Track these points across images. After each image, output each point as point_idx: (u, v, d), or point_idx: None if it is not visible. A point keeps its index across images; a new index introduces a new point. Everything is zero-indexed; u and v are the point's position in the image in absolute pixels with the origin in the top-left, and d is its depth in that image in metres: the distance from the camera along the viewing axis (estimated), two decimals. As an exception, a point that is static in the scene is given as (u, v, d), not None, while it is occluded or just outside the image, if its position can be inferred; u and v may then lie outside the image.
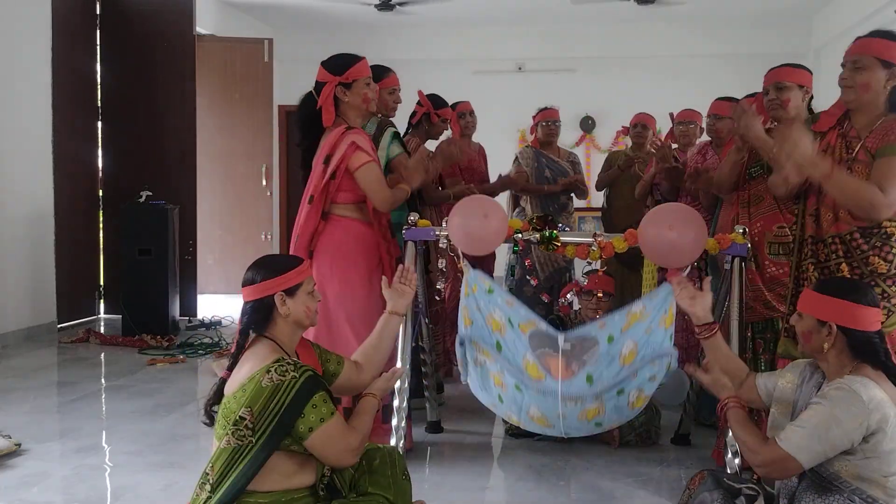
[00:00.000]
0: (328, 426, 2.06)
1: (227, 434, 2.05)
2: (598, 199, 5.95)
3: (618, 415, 2.92)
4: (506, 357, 2.90)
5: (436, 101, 4.36)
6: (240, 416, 2.03)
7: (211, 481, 2.06)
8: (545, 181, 5.14)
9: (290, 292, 2.20)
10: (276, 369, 2.05)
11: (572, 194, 5.31)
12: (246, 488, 2.05)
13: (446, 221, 3.22)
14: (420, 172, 3.32)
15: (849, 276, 2.57)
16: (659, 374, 2.86)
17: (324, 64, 3.18)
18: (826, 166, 2.51)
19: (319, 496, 2.15)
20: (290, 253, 3.08)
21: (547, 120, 5.22)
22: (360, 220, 3.22)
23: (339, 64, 3.16)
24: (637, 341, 2.82)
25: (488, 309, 2.96)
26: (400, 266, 2.77)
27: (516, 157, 5.25)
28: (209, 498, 2.05)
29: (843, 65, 2.65)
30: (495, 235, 3.05)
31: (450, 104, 4.88)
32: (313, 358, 2.35)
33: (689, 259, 2.87)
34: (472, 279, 3.02)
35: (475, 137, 5.16)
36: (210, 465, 2.09)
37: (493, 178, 5.06)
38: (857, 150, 2.60)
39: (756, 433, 2.10)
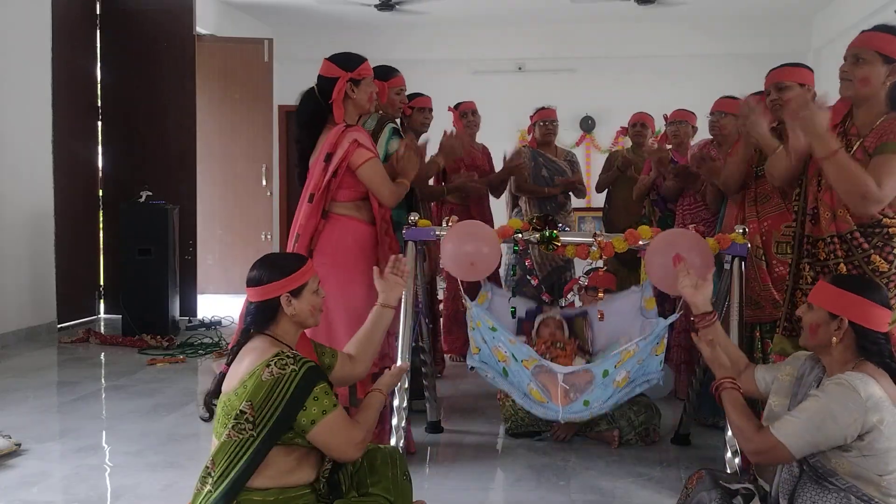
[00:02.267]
0: (331, 418, 2.06)
1: (228, 428, 2.05)
2: (598, 199, 5.95)
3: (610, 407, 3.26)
4: (511, 382, 3.20)
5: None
6: (240, 411, 2.03)
7: (213, 475, 2.06)
8: (542, 181, 5.15)
9: (296, 293, 2.22)
10: (275, 363, 2.06)
11: (570, 194, 5.32)
12: (246, 484, 2.05)
13: (446, 221, 3.23)
14: (412, 163, 3.28)
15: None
16: (647, 389, 3.27)
17: (332, 59, 3.13)
18: (833, 144, 2.47)
19: (320, 493, 2.15)
20: (297, 251, 3.05)
21: (544, 120, 5.22)
22: (359, 218, 3.17)
23: (350, 60, 3.13)
24: (630, 370, 3.15)
25: (493, 343, 3.22)
26: (392, 256, 2.71)
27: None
28: (210, 493, 2.05)
29: (844, 58, 2.63)
30: (488, 263, 3.17)
31: (454, 104, 4.88)
32: (309, 351, 2.35)
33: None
34: (476, 316, 3.24)
35: (477, 138, 5.16)
36: (210, 459, 2.09)
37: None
38: (855, 147, 2.58)
39: (750, 418, 2.10)
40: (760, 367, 2.31)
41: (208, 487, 2.07)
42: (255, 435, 2.02)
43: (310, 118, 3.17)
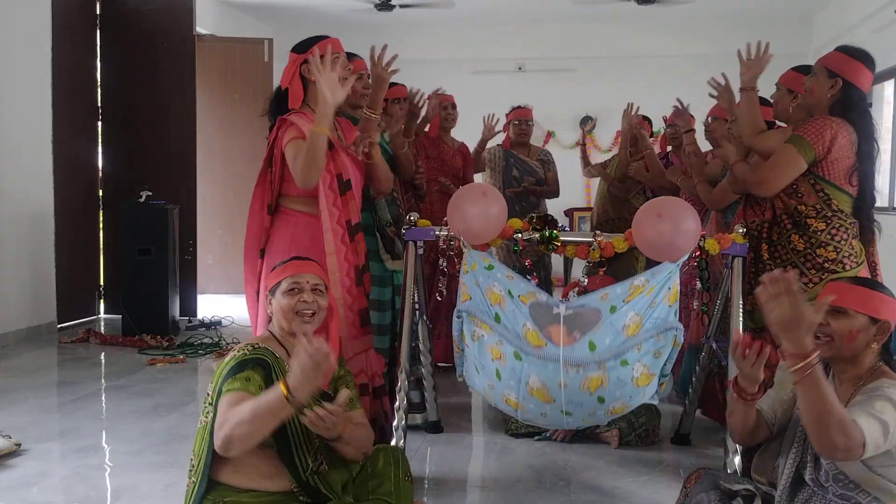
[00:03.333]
0: (231, 395, 2.04)
1: (202, 413, 2.13)
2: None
3: (620, 389, 2.80)
4: (504, 326, 2.84)
5: None
6: (207, 394, 2.13)
7: (193, 465, 2.12)
8: (512, 181, 5.13)
9: (272, 291, 2.30)
10: (239, 349, 2.15)
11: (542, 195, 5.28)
12: (217, 478, 2.08)
13: (446, 221, 3.22)
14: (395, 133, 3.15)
15: (767, 256, 3.02)
16: (665, 349, 2.83)
17: (292, 48, 2.96)
18: (732, 155, 3.15)
19: (300, 501, 2.12)
20: (244, 252, 2.91)
21: (518, 119, 5.19)
22: (313, 214, 2.83)
23: (303, 42, 2.90)
24: (640, 313, 2.78)
25: (487, 283, 2.91)
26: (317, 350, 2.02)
27: (483, 157, 5.23)
28: (194, 483, 2.10)
29: None
30: (495, 224, 3.00)
31: (434, 92, 4.83)
32: (329, 371, 2.23)
33: (686, 250, 2.85)
34: (472, 257, 2.98)
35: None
36: (193, 450, 2.15)
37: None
38: None
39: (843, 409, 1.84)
40: (760, 401, 2.18)
41: (192, 479, 2.11)
42: (212, 417, 2.07)
43: (271, 112, 2.96)
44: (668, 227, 2.78)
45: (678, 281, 2.85)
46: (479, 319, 2.89)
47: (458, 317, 2.95)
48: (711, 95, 3.51)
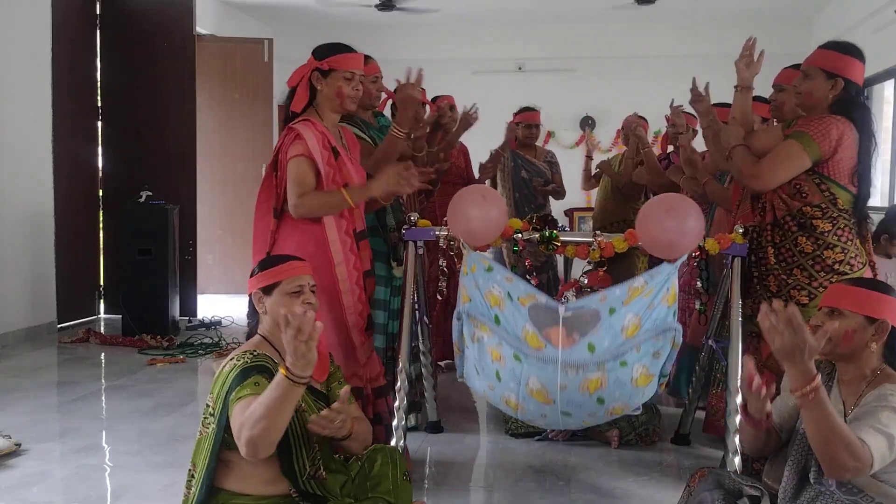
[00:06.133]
0: (244, 401, 1.97)
1: (201, 425, 2.09)
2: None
3: (620, 390, 2.78)
4: (504, 328, 2.83)
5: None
6: (206, 404, 2.08)
7: (193, 476, 2.10)
8: (521, 182, 5.14)
9: (267, 291, 2.20)
10: (237, 356, 2.08)
11: (550, 196, 5.31)
12: (218, 484, 2.06)
13: (447, 222, 3.21)
14: (391, 150, 3.08)
15: (773, 260, 2.89)
16: (664, 349, 2.82)
17: (314, 49, 2.97)
18: (735, 138, 2.96)
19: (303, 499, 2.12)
20: (254, 254, 2.87)
21: (526, 123, 5.22)
22: (317, 222, 2.81)
23: (323, 49, 2.89)
24: (639, 315, 2.77)
25: (487, 286, 2.88)
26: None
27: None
28: (194, 494, 2.08)
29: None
30: (495, 226, 3.00)
31: (431, 98, 4.84)
32: (325, 366, 2.26)
33: (690, 246, 2.85)
34: (472, 259, 2.96)
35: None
36: (191, 461, 2.12)
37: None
38: None
39: (851, 430, 1.82)
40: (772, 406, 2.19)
41: (192, 490, 2.09)
42: (215, 428, 2.03)
43: (287, 115, 2.96)
44: (674, 225, 2.78)
45: (676, 283, 2.85)
46: (478, 321, 2.87)
47: (458, 318, 2.93)
48: (691, 104, 3.42)
